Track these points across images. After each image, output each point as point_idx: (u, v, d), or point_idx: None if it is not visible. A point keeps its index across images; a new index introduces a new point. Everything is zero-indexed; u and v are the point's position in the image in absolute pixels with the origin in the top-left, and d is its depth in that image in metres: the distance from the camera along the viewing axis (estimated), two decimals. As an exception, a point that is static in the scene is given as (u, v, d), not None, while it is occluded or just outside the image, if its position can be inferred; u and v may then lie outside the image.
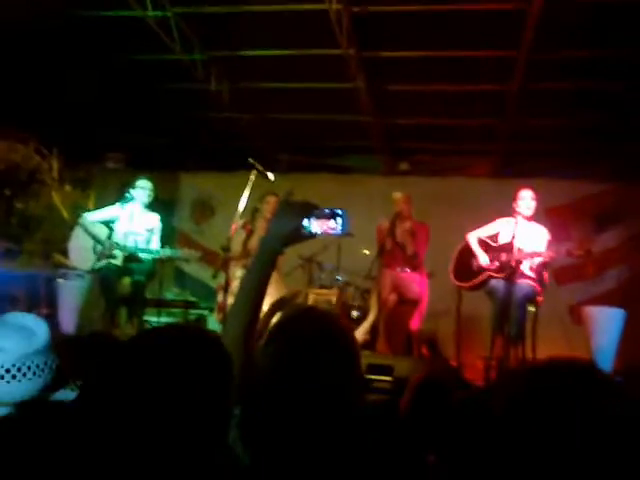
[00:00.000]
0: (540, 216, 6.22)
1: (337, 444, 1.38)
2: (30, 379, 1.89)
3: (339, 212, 1.77)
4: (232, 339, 1.67)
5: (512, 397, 1.13)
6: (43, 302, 7.29)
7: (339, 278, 7.67)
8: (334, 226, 1.76)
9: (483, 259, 6.10)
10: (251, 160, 6.04)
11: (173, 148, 9.75)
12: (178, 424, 1.24)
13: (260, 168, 6.04)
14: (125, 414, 1.23)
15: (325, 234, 1.78)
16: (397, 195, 6.72)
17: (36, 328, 1.96)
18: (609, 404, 1.07)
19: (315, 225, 1.76)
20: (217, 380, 1.32)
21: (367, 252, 7.54)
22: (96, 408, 1.26)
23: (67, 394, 2.01)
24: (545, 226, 6.11)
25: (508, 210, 6.14)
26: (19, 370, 1.88)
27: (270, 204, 6.50)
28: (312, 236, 1.78)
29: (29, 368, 1.89)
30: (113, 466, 1.20)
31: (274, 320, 1.68)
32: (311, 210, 1.77)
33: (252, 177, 6.06)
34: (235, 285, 6.13)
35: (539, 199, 6.07)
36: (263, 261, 1.76)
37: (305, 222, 1.76)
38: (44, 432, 1.40)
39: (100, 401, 1.26)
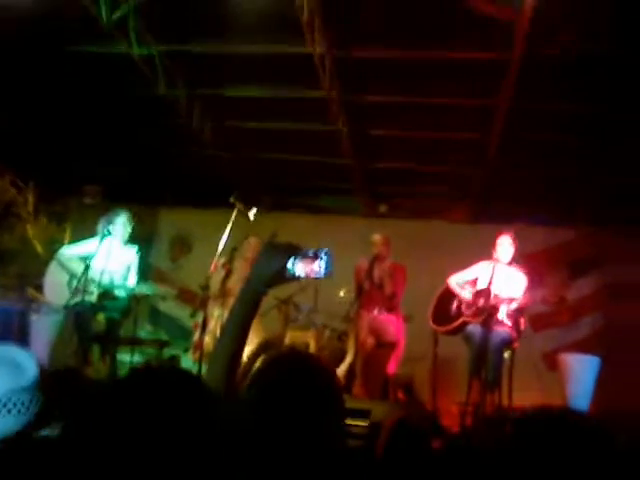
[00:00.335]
0: (517, 261, 6.27)
1: None
2: (15, 415, 1.82)
3: (322, 254, 1.76)
4: (214, 380, 1.66)
5: (502, 446, 1.13)
6: (15, 336, 7.15)
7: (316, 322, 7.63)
8: (317, 269, 1.76)
9: (466, 294, 6.11)
10: (232, 199, 6.03)
11: (152, 183, 9.72)
12: (162, 463, 1.21)
13: (241, 207, 6.03)
14: (108, 453, 1.20)
15: (308, 277, 1.77)
16: (376, 237, 6.75)
17: (25, 363, 1.90)
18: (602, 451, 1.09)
19: (299, 267, 1.76)
20: (204, 421, 1.30)
21: (343, 294, 7.52)
22: (80, 446, 1.23)
23: (52, 431, 1.94)
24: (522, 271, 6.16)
25: (486, 254, 6.19)
26: (4, 405, 1.81)
27: (251, 245, 6.49)
28: (296, 278, 1.77)
29: (14, 404, 1.82)
30: None
31: (257, 363, 1.65)
32: (295, 251, 1.77)
33: (233, 216, 6.04)
34: (212, 324, 6.08)
35: (516, 245, 6.13)
36: (246, 302, 1.76)
37: (289, 264, 1.75)
38: (28, 468, 1.37)
39: (84, 440, 1.23)
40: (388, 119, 7.27)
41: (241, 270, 6.37)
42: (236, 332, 1.74)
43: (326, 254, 1.76)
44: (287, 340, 7.31)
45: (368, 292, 6.66)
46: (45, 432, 1.88)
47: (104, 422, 1.25)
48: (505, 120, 6.64)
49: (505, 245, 6.03)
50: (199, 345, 6.04)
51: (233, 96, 7.17)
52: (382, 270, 6.70)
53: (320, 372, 1.52)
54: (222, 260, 6.26)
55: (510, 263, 6.07)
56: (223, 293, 6.06)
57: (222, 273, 6.35)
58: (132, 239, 6.64)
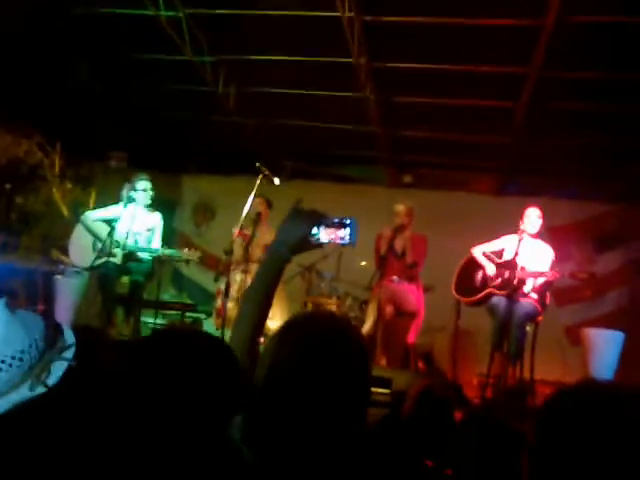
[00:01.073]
0: (543, 235, 6.19)
1: (344, 448, 1.36)
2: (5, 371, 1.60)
3: (348, 221, 1.76)
4: (238, 345, 1.65)
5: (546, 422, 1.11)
6: (40, 297, 7.24)
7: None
8: (342, 235, 1.76)
9: (490, 269, 6.07)
10: (258, 164, 6.01)
11: (177, 149, 9.73)
12: (185, 423, 1.22)
13: (267, 172, 6.01)
14: (131, 412, 1.20)
15: (333, 243, 1.77)
16: (399, 207, 6.67)
17: None
18: None
19: (324, 234, 1.76)
20: (226, 381, 1.30)
21: (364, 263, 7.50)
22: (105, 404, 1.23)
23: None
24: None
25: (510, 227, 6.11)
26: None
27: (261, 206, 6.51)
28: (320, 245, 1.78)
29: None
30: (117, 460, 1.19)
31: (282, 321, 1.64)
32: (320, 219, 1.76)
33: (257, 182, 6.03)
34: (235, 290, 6.09)
35: (543, 218, 6.05)
36: (271, 268, 1.75)
37: (314, 230, 1.75)
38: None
39: (109, 396, 1.23)
40: (416, 86, 7.15)
41: (261, 236, 6.36)
42: (260, 298, 1.73)
43: (351, 222, 1.76)
44: (309, 307, 7.33)
45: (389, 261, 6.60)
46: (23, 392, 1.62)
47: (124, 382, 1.24)
48: (534, 88, 6.52)
49: (533, 217, 5.94)
50: (221, 311, 6.08)
51: (259, 61, 7.10)
52: (404, 240, 6.65)
53: (354, 335, 1.50)
54: (242, 226, 6.25)
55: (537, 236, 5.99)
56: (245, 259, 6.06)
57: (240, 240, 6.35)
58: (155, 204, 6.67)
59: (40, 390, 1.60)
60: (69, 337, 1.71)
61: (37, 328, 1.65)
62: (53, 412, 1.55)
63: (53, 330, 1.70)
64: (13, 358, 1.58)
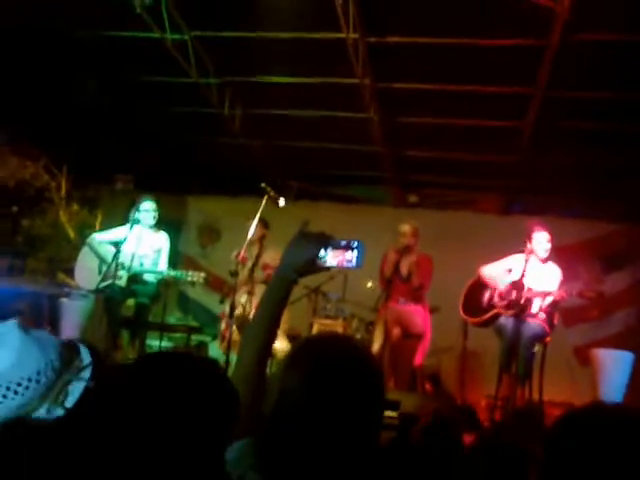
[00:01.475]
0: (550, 255, 6.15)
1: (356, 472, 1.34)
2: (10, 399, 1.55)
3: (355, 244, 1.74)
4: (245, 367, 1.65)
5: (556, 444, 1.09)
6: (46, 320, 7.22)
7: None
8: (350, 258, 1.74)
9: (502, 284, 6.01)
10: (263, 185, 6.01)
11: (182, 171, 9.76)
12: (174, 449, 1.19)
13: (272, 193, 6.01)
14: (120, 435, 1.18)
15: (340, 266, 1.76)
16: (404, 227, 6.63)
17: (7, 336, 1.58)
18: None
19: (331, 257, 1.75)
20: (219, 410, 1.27)
21: (371, 285, 7.47)
22: (92, 428, 1.20)
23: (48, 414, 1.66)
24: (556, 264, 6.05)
25: (516, 247, 6.07)
26: None
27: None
28: (327, 268, 1.77)
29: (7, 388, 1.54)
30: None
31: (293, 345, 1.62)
32: (327, 241, 1.75)
33: (263, 203, 6.02)
34: (239, 312, 6.06)
35: (552, 241, 6.01)
36: (278, 290, 1.74)
37: (321, 253, 1.74)
38: (25, 453, 1.33)
39: (96, 421, 1.20)
40: (421, 107, 7.17)
41: (263, 257, 6.34)
42: (267, 320, 1.72)
43: (359, 245, 1.74)
44: (315, 328, 7.29)
45: (394, 284, 6.57)
46: (41, 414, 1.58)
47: (113, 406, 1.22)
48: (540, 108, 6.53)
49: (543, 242, 5.90)
50: (226, 334, 6.04)
51: (264, 83, 7.14)
52: (409, 262, 6.61)
53: (368, 357, 1.48)
54: (237, 251, 6.23)
55: (546, 260, 5.96)
56: (251, 280, 6.04)
57: (240, 263, 6.31)
58: (161, 226, 6.67)
59: (58, 412, 1.56)
60: (85, 356, 1.67)
61: (52, 348, 1.61)
62: (54, 434, 1.52)
63: (69, 349, 1.66)
64: (29, 380, 1.54)
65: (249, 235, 6.00)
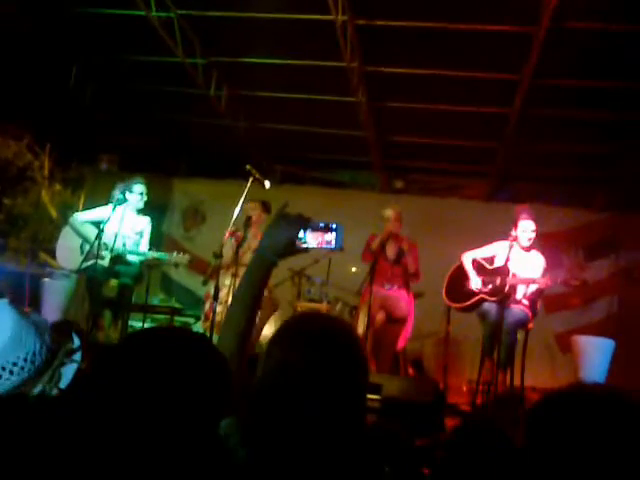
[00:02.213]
0: (534, 242, 6.17)
1: (344, 451, 1.34)
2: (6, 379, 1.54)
3: (334, 226, 1.78)
4: (226, 349, 1.65)
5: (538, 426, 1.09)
6: (27, 299, 7.17)
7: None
8: (329, 239, 1.78)
9: (474, 282, 6.03)
10: (248, 167, 5.97)
11: (167, 152, 9.68)
12: (170, 422, 1.19)
13: (257, 175, 5.97)
14: (117, 412, 1.18)
15: (319, 247, 1.79)
16: (388, 212, 6.59)
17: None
18: None
19: (310, 238, 1.78)
20: (211, 381, 1.27)
21: (355, 269, 7.47)
22: (87, 405, 1.19)
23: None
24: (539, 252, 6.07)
25: (501, 233, 6.08)
26: None
27: (255, 210, 6.45)
28: (307, 249, 1.79)
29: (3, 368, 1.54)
30: (102, 463, 1.16)
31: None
32: (306, 223, 1.77)
33: (248, 185, 5.99)
34: (224, 294, 6.04)
35: (537, 230, 6.02)
36: (258, 271, 1.75)
37: (301, 234, 1.76)
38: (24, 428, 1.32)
39: (91, 398, 1.19)
40: (408, 91, 7.15)
41: (252, 239, 6.32)
42: (247, 301, 1.73)
43: (337, 227, 1.78)
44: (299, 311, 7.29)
45: (381, 266, 6.56)
46: (38, 389, 1.60)
47: (105, 384, 1.21)
48: (526, 95, 6.53)
49: (529, 232, 5.89)
50: (209, 314, 6.03)
51: (251, 64, 7.07)
52: (397, 246, 6.61)
53: (346, 329, 1.49)
54: (233, 228, 6.21)
55: (529, 249, 5.97)
56: (235, 261, 6.01)
57: (232, 242, 6.29)
58: (146, 208, 6.61)
59: (53, 393, 1.56)
60: (75, 340, 1.68)
61: (46, 329, 1.62)
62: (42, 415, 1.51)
63: (60, 332, 1.66)
64: (25, 360, 1.54)
65: (234, 216, 5.96)
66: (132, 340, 1.33)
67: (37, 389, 1.56)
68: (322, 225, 1.78)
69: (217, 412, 1.26)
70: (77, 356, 1.65)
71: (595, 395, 1.14)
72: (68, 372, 1.61)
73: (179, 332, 1.39)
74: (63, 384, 1.59)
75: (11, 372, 1.53)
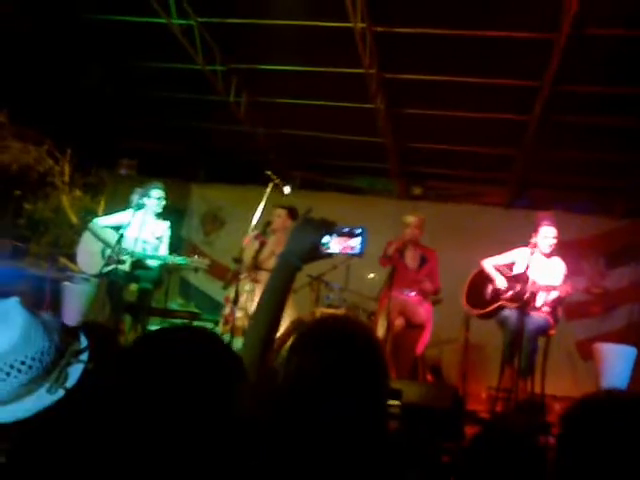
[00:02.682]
0: (554, 249, 6.13)
1: (364, 455, 1.33)
2: (14, 377, 1.53)
3: (359, 231, 1.75)
4: (250, 354, 1.65)
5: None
6: (47, 303, 7.23)
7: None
8: (353, 245, 1.75)
9: (500, 281, 6.01)
10: (268, 172, 5.99)
11: (186, 158, 9.74)
12: (186, 423, 1.19)
13: (277, 181, 5.99)
14: (132, 412, 1.19)
15: (343, 253, 1.76)
16: (410, 218, 6.60)
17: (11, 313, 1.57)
18: None
19: (334, 243, 1.75)
20: (226, 380, 1.26)
21: (373, 275, 7.45)
22: (104, 404, 1.20)
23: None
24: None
25: (520, 240, 6.05)
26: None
27: (281, 217, 6.45)
28: (330, 255, 1.77)
29: (11, 367, 1.52)
30: (119, 460, 1.16)
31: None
32: (330, 227, 1.76)
33: (268, 190, 6.01)
34: (243, 299, 6.06)
35: (559, 237, 5.98)
36: (282, 276, 1.75)
37: (325, 239, 1.74)
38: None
39: (107, 397, 1.20)
40: (427, 98, 7.13)
41: (273, 244, 6.32)
42: (271, 306, 1.73)
43: (362, 231, 1.75)
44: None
45: (400, 272, 6.55)
46: (42, 394, 1.58)
47: (121, 384, 1.22)
48: (546, 102, 6.49)
49: (550, 238, 5.87)
50: (229, 319, 6.04)
51: (270, 71, 7.11)
52: (418, 253, 6.60)
53: (365, 333, 1.48)
54: (255, 232, 6.22)
55: (550, 255, 5.94)
56: (255, 266, 6.02)
57: (255, 245, 6.30)
58: (164, 213, 6.66)
59: (60, 393, 1.57)
60: (83, 340, 1.69)
61: (55, 329, 1.63)
62: (63, 415, 1.52)
63: (68, 331, 1.67)
64: (33, 359, 1.54)
65: (254, 221, 5.97)
66: (142, 341, 1.34)
67: (44, 388, 1.57)
68: (346, 230, 1.76)
69: (229, 409, 1.26)
70: (84, 356, 1.65)
71: (633, 401, 1.13)
72: (75, 372, 1.62)
73: (189, 331, 1.38)
74: (69, 384, 1.59)
75: (19, 370, 1.52)
